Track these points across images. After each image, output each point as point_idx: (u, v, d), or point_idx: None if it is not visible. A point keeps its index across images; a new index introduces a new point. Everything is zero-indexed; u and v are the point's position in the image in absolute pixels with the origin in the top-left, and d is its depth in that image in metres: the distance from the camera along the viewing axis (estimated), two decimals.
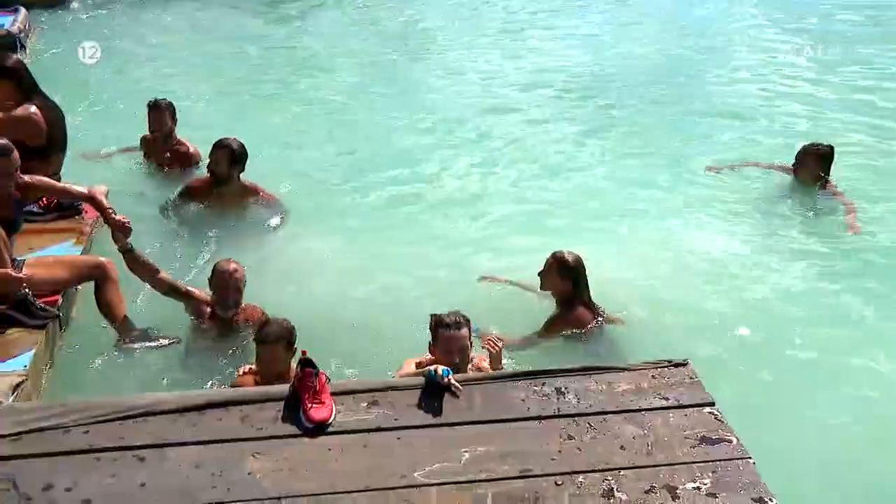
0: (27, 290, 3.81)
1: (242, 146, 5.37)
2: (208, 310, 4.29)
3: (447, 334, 3.70)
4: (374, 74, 9.30)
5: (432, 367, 3.34)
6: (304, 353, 3.23)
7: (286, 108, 8.17)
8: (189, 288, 4.40)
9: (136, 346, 4.05)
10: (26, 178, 4.06)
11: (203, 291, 4.36)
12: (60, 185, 4.40)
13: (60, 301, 4.10)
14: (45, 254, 4.32)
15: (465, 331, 3.73)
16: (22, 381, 3.35)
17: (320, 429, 3.06)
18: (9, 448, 2.91)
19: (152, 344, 4.07)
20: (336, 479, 2.86)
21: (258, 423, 3.09)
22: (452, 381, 3.28)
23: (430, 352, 3.82)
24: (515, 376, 3.44)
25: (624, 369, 3.46)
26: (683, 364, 3.48)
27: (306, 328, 3.89)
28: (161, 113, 5.78)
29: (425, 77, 9.25)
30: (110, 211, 4.14)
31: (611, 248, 5.57)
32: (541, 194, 6.57)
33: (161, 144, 5.90)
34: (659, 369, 3.44)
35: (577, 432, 3.11)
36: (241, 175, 5.45)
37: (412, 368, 3.80)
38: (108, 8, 10.93)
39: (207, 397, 3.20)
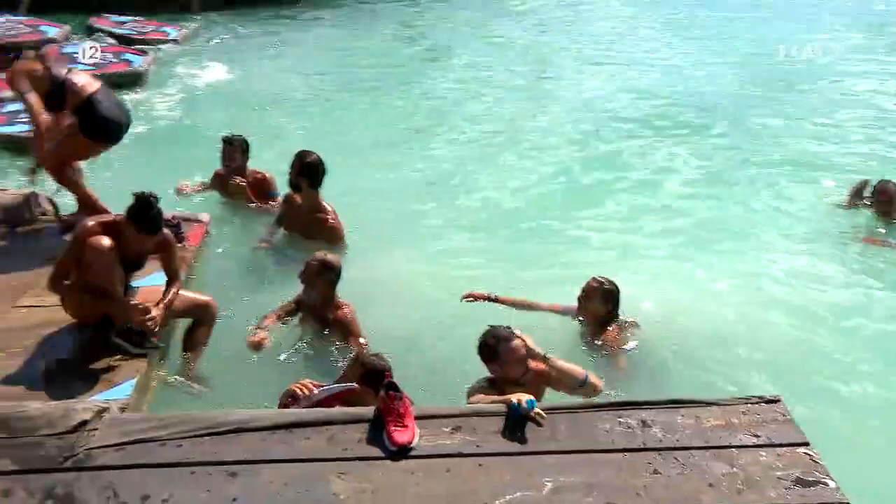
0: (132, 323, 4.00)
1: (314, 161, 5.48)
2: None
3: (510, 346, 3.73)
4: (469, 100, 9.46)
5: (515, 399, 3.33)
6: (388, 375, 3.28)
7: (392, 122, 8.40)
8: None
9: (185, 383, 4.21)
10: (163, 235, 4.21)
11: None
12: (179, 276, 4.39)
13: (159, 331, 4.21)
14: (150, 280, 4.48)
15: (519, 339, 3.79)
16: (124, 409, 3.49)
17: (403, 452, 3.10)
18: (112, 458, 3.07)
19: (193, 389, 4.20)
20: (417, 502, 2.89)
21: (344, 444, 3.15)
22: (537, 410, 3.27)
23: (491, 371, 3.81)
24: (600, 407, 3.40)
25: (712, 403, 3.37)
26: (775, 401, 3.36)
27: (388, 348, 3.95)
28: (234, 149, 5.99)
29: (539, 103, 9.37)
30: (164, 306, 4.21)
31: (701, 274, 5.50)
32: (628, 223, 6.53)
33: (232, 180, 6.07)
34: (749, 405, 3.34)
35: (663, 467, 3.04)
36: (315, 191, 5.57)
37: (482, 394, 3.77)
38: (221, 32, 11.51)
39: (297, 416, 3.29)
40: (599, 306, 4.62)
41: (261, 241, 5.65)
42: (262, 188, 6.12)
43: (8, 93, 7.87)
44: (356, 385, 3.58)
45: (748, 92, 9.62)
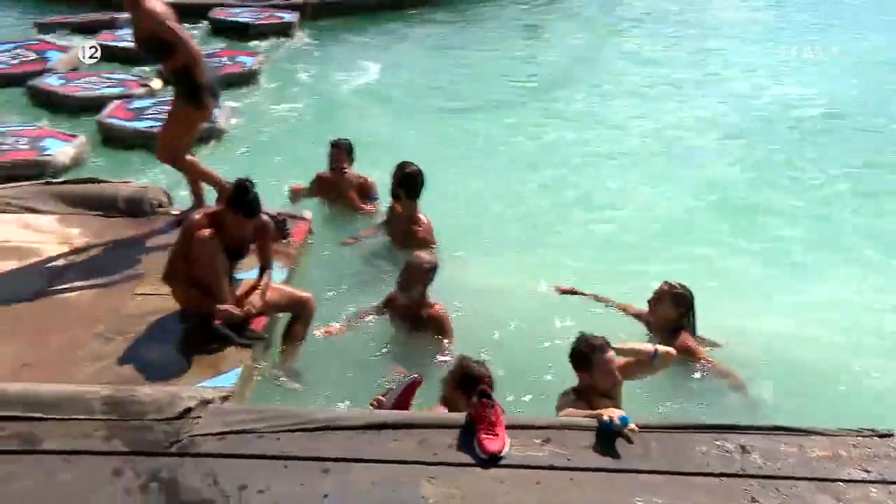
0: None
1: (413, 172, 5.52)
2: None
3: (604, 357, 3.64)
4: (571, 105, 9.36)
5: (606, 416, 3.28)
6: (484, 382, 3.29)
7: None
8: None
9: (281, 377, 4.28)
10: (261, 221, 4.34)
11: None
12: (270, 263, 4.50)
13: (266, 323, 4.39)
14: (254, 274, 4.57)
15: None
16: (227, 398, 3.62)
17: (493, 460, 3.10)
18: (214, 446, 3.20)
19: (289, 383, 4.25)
20: None
21: (434, 448, 3.18)
22: (631, 427, 3.21)
23: (580, 379, 3.73)
24: (696, 428, 3.30)
25: (818, 433, 3.22)
26: (889, 435, 3.18)
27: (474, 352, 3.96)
28: (340, 151, 6.11)
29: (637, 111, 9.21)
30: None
31: (815, 296, 5.26)
32: (727, 237, 6.31)
33: (338, 181, 6.20)
34: (860, 438, 3.17)
35: (762, 496, 2.93)
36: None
37: (572, 407, 3.71)
38: (329, 35, 11.77)
39: (388, 417, 3.35)
40: (670, 310, 4.54)
41: (350, 238, 5.78)
42: (363, 191, 6.23)
43: (139, 90, 8.44)
44: (418, 376, 3.67)
45: None
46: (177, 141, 5.22)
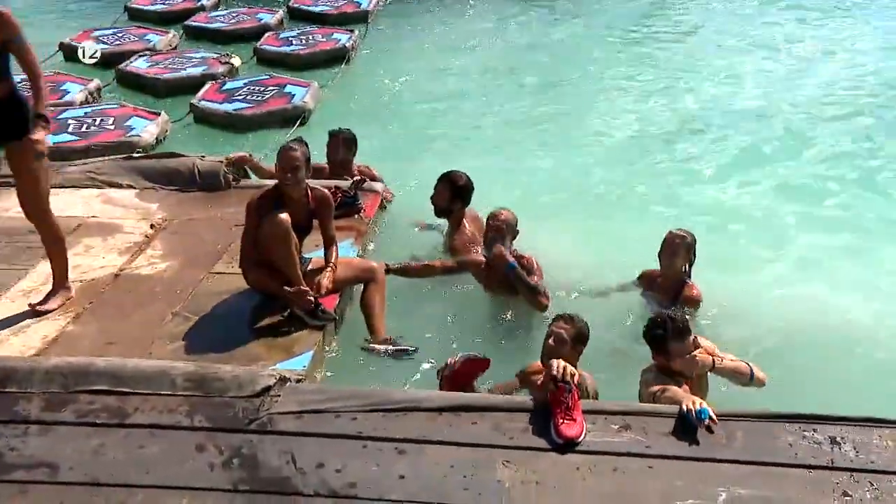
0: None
1: (466, 183, 5.23)
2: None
3: (682, 347, 3.53)
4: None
5: (686, 406, 3.18)
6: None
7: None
8: (459, 260, 4.86)
9: (381, 349, 4.26)
10: (321, 191, 4.36)
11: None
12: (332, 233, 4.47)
13: (338, 301, 4.40)
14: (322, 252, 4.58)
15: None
16: (301, 380, 3.63)
17: (570, 445, 3.05)
18: (292, 424, 3.25)
19: (394, 348, 4.24)
20: (583, 499, 2.84)
21: (509, 432, 3.15)
22: (712, 416, 3.11)
23: (655, 359, 3.63)
24: (783, 417, 3.17)
25: None
26: None
27: None
28: (336, 142, 5.83)
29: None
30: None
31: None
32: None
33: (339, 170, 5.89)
34: None
35: (854, 490, 2.80)
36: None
37: (658, 384, 3.59)
38: (406, 20, 11.73)
39: (465, 400, 3.33)
40: (684, 260, 4.48)
41: (424, 223, 5.64)
42: (369, 176, 5.85)
43: (220, 68, 8.66)
44: (485, 358, 3.63)
45: None
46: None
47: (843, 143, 7.42)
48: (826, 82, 8.92)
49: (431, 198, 5.24)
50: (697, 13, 11.76)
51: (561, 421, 3.08)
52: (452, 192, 5.19)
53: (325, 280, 4.30)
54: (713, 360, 3.60)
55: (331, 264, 4.39)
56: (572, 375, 3.18)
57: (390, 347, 4.25)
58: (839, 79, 9.02)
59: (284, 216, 4.06)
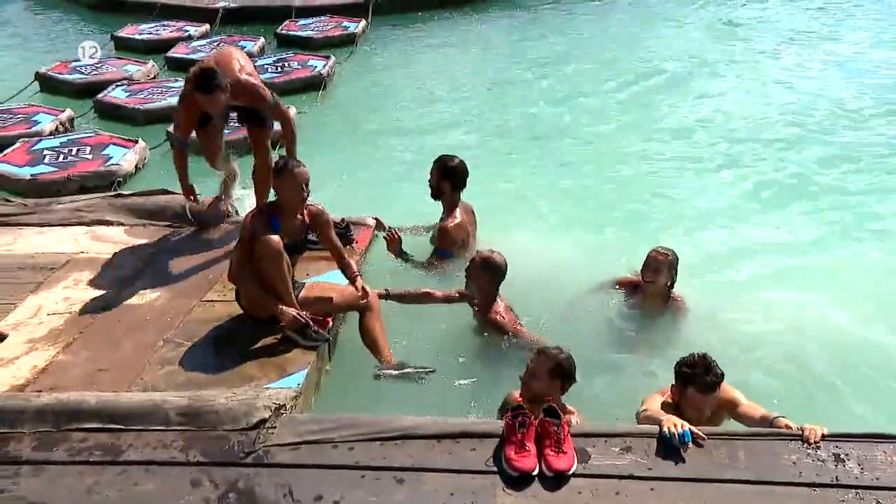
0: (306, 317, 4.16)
1: (457, 165, 5.36)
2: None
3: (702, 396, 3.35)
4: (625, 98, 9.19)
5: (667, 428, 3.10)
6: (548, 400, 3.23)
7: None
8: (459, 290, 4.70)
9: (393, 373, 4.23)
10: (315, 207, 4.37)
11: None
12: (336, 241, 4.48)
13: (331, 324, 4.39)
14: (319, 279, 4.65)
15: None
16: (296, 397, 3.63)
17: (562, 478, 2.98)
18: (288, 456, 3.20)
19: (408, 370, 4.23)
20: None
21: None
22: (697, 435, 3.08)
23: (672, 392, 3.49)
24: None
25: None
26: None
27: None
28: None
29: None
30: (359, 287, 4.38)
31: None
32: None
33: None
34: None
35: None
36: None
37: (657, 406, 3.56)
38: (391, 46, 11.80)
39: (463, 427, 3.29)
40: (668, 277, 4.55)
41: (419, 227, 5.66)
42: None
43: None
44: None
45: None
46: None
47: (827, 149, 7.51)
48: (805, 92, 9.04)
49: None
50: (691, 27, 11.96)
51: (551, 454, 3.01)
52: (441, 173, 5.35)
53: (359, 282, 4.35)
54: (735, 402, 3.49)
55: (356, 273, 4.41)
56: (553, 409, 3.15)
57: (409, 368, 4.23)
58: (815, 89, 9.15)
59: (276, 238, 4.06)
